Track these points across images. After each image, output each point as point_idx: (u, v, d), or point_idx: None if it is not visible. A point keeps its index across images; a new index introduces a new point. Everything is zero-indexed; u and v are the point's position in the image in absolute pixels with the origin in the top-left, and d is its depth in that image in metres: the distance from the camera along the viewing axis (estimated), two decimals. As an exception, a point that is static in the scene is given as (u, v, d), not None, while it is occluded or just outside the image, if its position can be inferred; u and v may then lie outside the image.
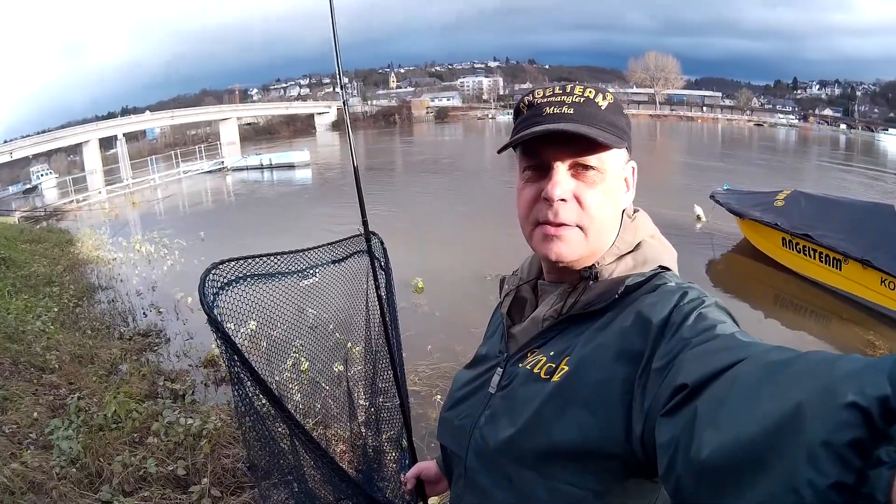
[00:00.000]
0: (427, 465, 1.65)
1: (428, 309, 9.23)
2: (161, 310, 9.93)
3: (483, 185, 24.30)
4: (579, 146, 1.07)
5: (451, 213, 17.88)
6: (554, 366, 1.06)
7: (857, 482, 0.48)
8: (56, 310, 9.23)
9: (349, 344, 2.14)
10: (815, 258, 10.61)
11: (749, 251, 12.67)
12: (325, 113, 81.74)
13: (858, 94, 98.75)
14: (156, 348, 8.32)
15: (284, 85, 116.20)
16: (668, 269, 1.13)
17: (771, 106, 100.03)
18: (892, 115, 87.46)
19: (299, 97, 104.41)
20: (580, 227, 1.10)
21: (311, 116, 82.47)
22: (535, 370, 1.09)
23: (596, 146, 1.07)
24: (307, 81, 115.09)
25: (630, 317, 1.00)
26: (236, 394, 1.37)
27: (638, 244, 1.15)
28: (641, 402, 0.89)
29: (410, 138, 62.71)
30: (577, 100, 1.10)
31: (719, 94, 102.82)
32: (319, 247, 1.83)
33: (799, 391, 0.57)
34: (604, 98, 1.11)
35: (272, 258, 1.60)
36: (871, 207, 10.68)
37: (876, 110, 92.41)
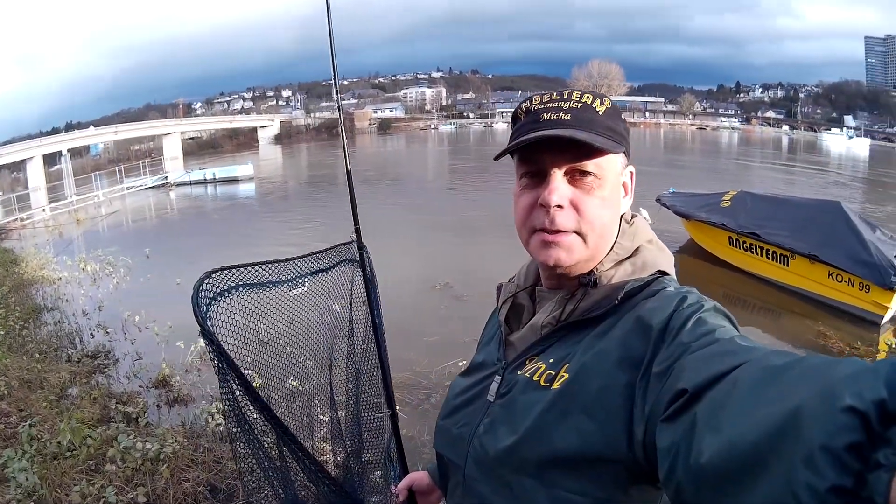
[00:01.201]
0: (419, 476, 1.62)
1: (377, 320, 9.10)
2: (109, 330, 9.63)
3: (425, 195, 24.32)
4: (577, 152, 1.07)
5: (394, 223, 17.69)
6: (554, 373, 1.05)
7: (856, 485, 0.48)
8: (2, 333, 8.86)
9: (331, 356, 2.09)
10: (762, 256, 10.93)
11: (696, 252, 12.92)
12: (267, 126, 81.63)
13: (801, 96, 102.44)
14: (105, 370, 8.04)
15: (228, 98, 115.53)
16: (666, 274, 1.14)
17: (714, 110, 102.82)
18: (834, 115, 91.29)
19: (242, 110, 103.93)
20: (578, 234, 1.09)
21: (254, 130, 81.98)
22: (535, 378, 1.08)
23: (593, 151, 1.07)
24: (250, 94, 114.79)
25: (630, 322, 1.00)
26: (228, 408, 1.34)
27: (636, 249, 1.15)
28: (642, 407, 0.89)
29: (353, 150, 62.42)
30: (574, 105, 1.10)
31: (662, 99, 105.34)
32: (308, 255, 1.81)
33: (797, 395, 0.57)
34: (601, 103, 1.11)
35: (263, 267, 1.57)
36: (818, 205, 11.05)
37: (819, 111, 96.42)
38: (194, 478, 4.51)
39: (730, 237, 11.67)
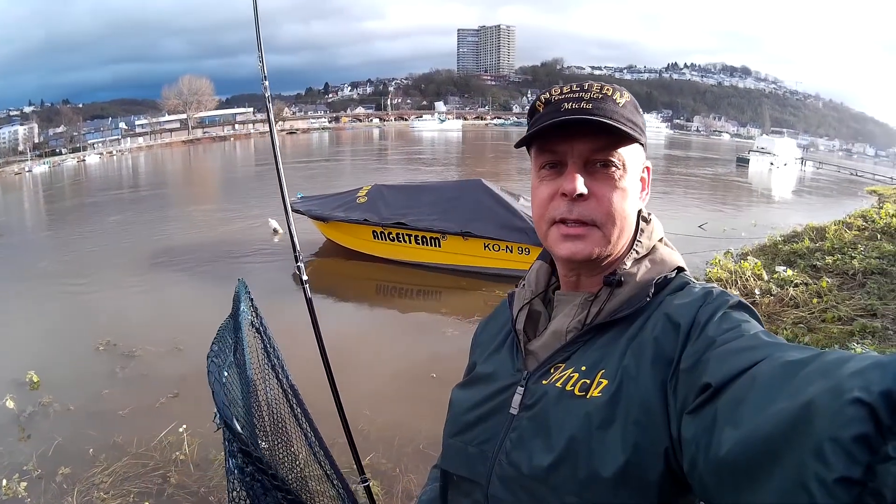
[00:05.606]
0: None
1: (59, 405, 6.79)
2: None
3: (31, 250, 20.64)
4: (598, 142, 1.06)
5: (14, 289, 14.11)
6: (589, 381, 1.00)
7: (865, 477, 0.50)
8: None
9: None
10: (412, 242, 11.51)
11: (337, 251, 12.96)
12: None
13: (391, 89, 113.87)
14: None
15: None
16: (684, 271, 1.13)
17: (303, 113, 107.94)
18: (425, 102, 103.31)
19: None
20: (598, 226, 1.07)
21: None
22: (568, 387, 1.02)
23: (616, 141, 1.06)
24: None
25: (659, 320, 0.99)
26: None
27: (653, 247, 1.15)
28: (675, 404, 0.88)
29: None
30: (595, 96, 1.07)
31: (251, 109, 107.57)
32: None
33: (810, 390, 0.59)
34: (621, 96, 1.09)
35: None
36: (459, 185, 12.23)
37: (409, 101, 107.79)
38: None
39: (374, 231, 11.92)
